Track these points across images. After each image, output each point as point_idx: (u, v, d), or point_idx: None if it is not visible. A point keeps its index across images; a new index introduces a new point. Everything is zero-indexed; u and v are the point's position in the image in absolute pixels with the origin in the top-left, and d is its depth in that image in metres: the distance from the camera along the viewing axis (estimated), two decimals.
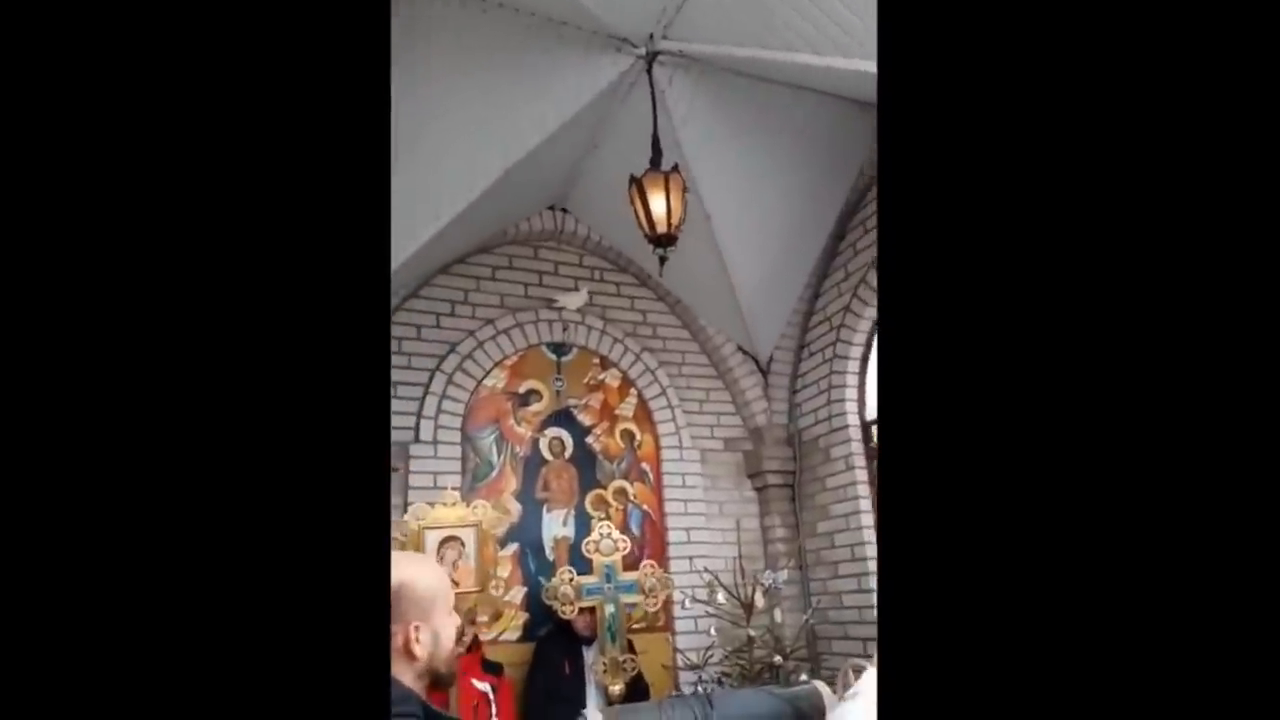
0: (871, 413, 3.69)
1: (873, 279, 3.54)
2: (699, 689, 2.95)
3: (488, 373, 3.54)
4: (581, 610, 2.83)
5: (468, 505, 2.82)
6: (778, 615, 3.47)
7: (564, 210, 3.86)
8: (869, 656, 3.12)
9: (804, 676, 3.02)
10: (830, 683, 2.44)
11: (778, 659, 3.09)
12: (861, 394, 3.71)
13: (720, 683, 3.06)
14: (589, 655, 2.90)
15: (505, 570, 3.26)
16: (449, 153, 2.87)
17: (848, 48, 2.58)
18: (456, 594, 2.56)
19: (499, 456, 3.45)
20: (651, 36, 2.79)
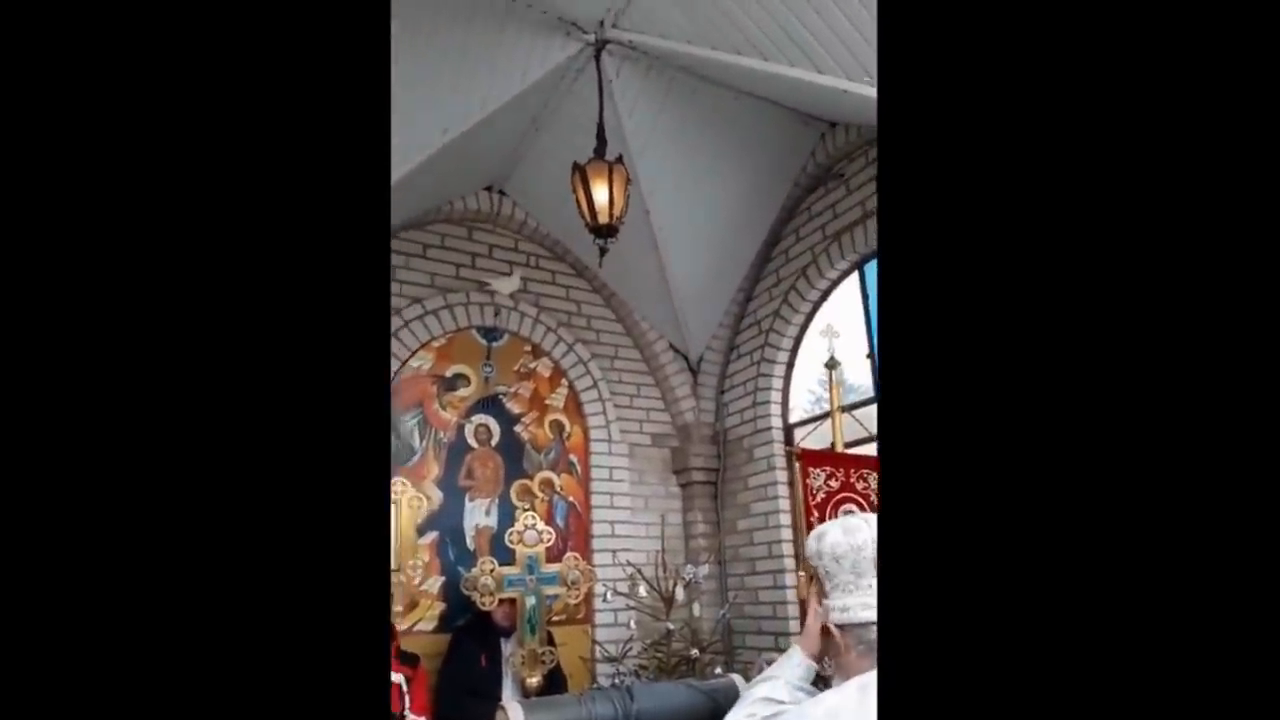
0: (794, 416, 3.80)
1: (802, 287, 3.65)
2: (616, 681, 2.95)
3: (413, 353, 3.41)
4: (502, 601, 2.78)
5: None
6: (696, 609, 3.52)
7: (501, 192, 3.78)
8: (782, 651, 3.22)
9: (719, 670, 3.08)
10: (744, 675, 2.50)
11: (694, 652, 3.14)
12: (785, 397, 3.82)
13: (637, 675, 3.08)
14: (507, 647, 2.84)
15: (423, 558, 3.15)
16: None
17: (794, 57, 2.65)
18: None
19: (421, 441, 3.33)
20: (602, 23, 2.77)
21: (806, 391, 3.98)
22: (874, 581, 0.88)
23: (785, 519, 3.56)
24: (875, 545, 0.89)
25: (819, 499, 2.78)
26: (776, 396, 3.79)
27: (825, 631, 0.93)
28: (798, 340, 3.78)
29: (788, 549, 3.51)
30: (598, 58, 2.86)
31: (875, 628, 0.87)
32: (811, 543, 0.96)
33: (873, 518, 0.94)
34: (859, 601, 0.88)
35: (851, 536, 0.91)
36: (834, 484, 2.83)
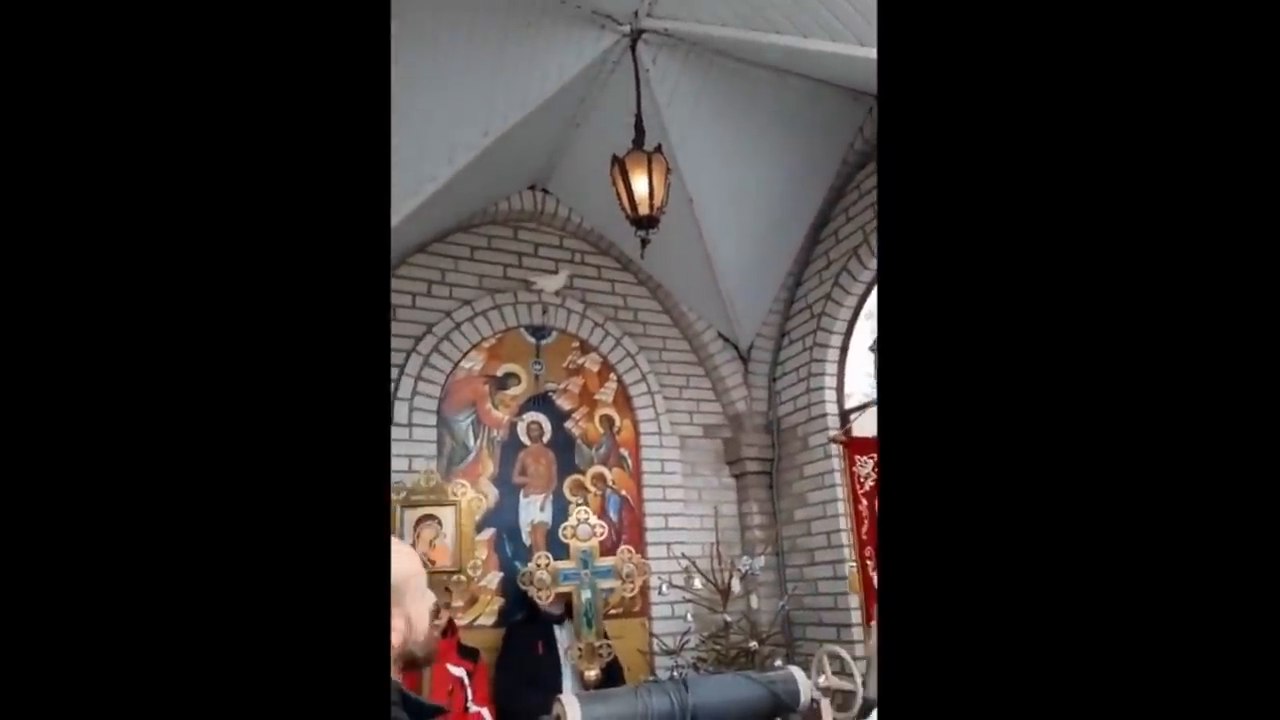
0: (849, 401, 3.70)
1: (854, 268, 3.54)
2: (675, 674, 2.94)
3: (465, 355, 3.47)
4: (556, 595, 2.81)
5: (447, 484, 2.80)
6: (754, 601, 3.48)
7: (545, 190, 3.80)
8: (844, 643, 3.16)
9: (779, 662, 3.04)
10: (805, 668, 2.46)
11: (753, 644, 3.10)
12: (840, 383, 3.72)
13: (696, 668, 3.06)
14: (561, 636, 2.87)
15: (481, 555, 3.22)
16: (428, 128, 2.80)
17: (835, 31, 2.56)
18: (434, 572, 2.55)
19: (475, 440, 3.40)
20: (636, 14, 2.73)
21: (865, 376, 3.87)
22: None
23: (844, 508, 3.47)
24: None
25: (867, 487, 2.70)
26: (831, 382, 3.69)
27: None
28: (851, 323, 3.67)
29: (846, 538, 3.42)
30: (633, 48, 2.83)
31: None
32: None
33: None
34: None
35: None
36: None
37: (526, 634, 2.88)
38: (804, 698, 2.18)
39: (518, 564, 3.18)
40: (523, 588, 2.82)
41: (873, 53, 2.53)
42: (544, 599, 2.76)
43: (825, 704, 2.21)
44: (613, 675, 2.82)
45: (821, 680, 2.58)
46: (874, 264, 3.48)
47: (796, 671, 2.23)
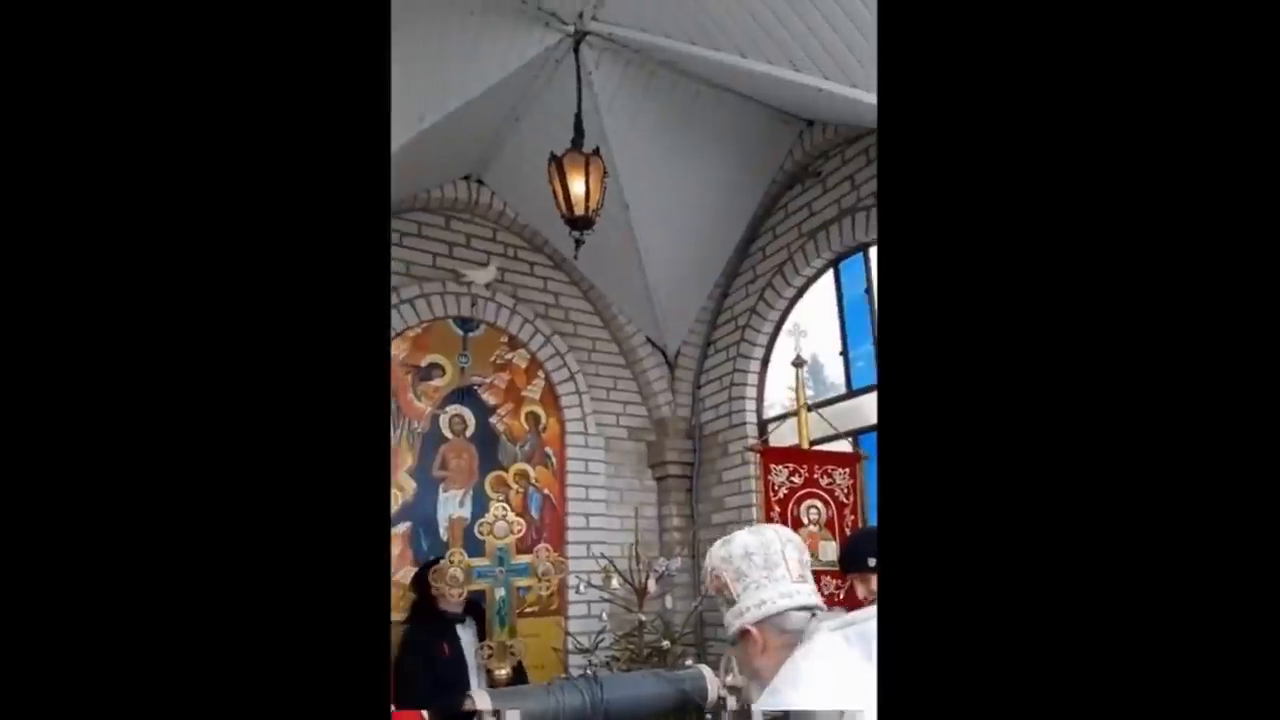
0: (769, 411, 3.83)
1: (779, 284, 3.68)
2: (588, 672, 2.96)
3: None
4: (468, 593, 2.77)
5: None
6: (669, 601, 3.54)
7: (480, 182, 3.75)
8: None
9: (689, 661, 3.11)
10: (714, 666, 2.53)
11: (666, 644, 3.16)
12: (760, 392, 3.85)
13: (609, 666, 3.09)
14: (466, 636, 2.83)
15: (396, 549, 3.14)
16: None
17: (772, 54, 2.67)
18: None
19: (395, 431, 3.31)
20: (581, 15, 2.76)
21: (786, 389, 4.02)
22: (787, 571, 0.92)
23: (758, 514, 3.59)
24: (781, 543, 0.93)
25: (780, 495, 2.82)
26: (752, 392, 3.82)
27: (743, 634, 0.94)
28: (773, 336, 3.81)
29: None
30: (576, 49, 2.85)
31: (794, 614, 0.89)
32: (718, 550, 0.98)
33: (779, 527, 1.00)
34: (776, 591, 0.91)
35: (758, 535, 0.96)
36: (797, 480, 2.87)
37: (428, 635, 2.80)
38: (712, 695, 2.25)
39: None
40: (433, 585, 2.76)
41: (805, 78, 2.66)
42: (454, 597, 2.71)
43: (731, 700, 2.28)
44: (520, 676, 2.80)
45: (729, 679, 2.66)
46: (797, 281, 3.63)
47: (705, 670, 2.29)
